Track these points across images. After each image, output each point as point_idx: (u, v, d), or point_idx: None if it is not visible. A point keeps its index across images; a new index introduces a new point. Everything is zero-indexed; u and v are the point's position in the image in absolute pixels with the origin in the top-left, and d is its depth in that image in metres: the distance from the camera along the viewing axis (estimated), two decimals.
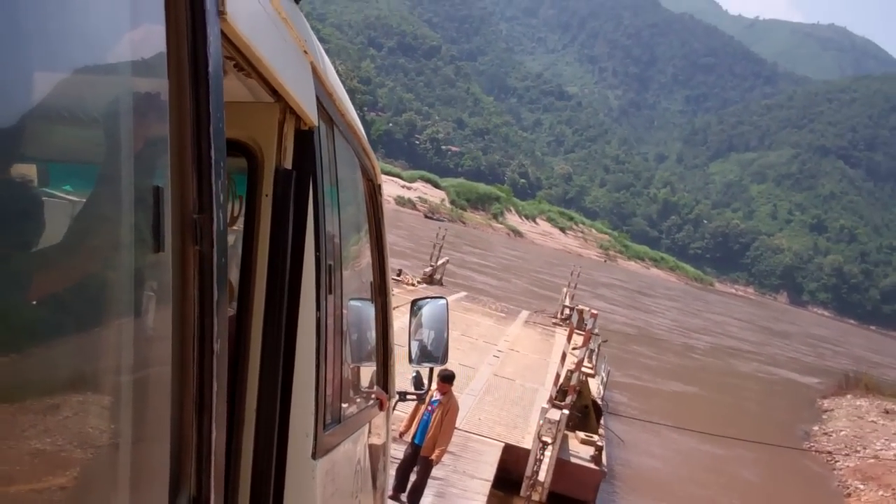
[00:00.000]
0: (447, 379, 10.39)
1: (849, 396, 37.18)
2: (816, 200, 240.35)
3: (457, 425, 11.47)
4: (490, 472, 13.27)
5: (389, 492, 4.59)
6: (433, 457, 10.62)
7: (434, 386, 9.93)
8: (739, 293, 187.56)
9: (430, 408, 10.59)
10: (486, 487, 12.61)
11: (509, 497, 13.79)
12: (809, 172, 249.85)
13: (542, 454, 12.61)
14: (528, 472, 13.01)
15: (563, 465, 13.86)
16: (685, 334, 56.35)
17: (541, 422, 12.80)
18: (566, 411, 13.45)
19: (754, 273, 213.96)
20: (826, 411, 34.10)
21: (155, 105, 1.49)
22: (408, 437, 10.89)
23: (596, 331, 15.58)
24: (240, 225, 2.53)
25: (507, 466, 14.00)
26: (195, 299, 1.62)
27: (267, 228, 2.37)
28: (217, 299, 1.67)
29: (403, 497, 10.75)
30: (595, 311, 14.98)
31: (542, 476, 12.74)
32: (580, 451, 15.09)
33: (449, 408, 10.58)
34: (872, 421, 30.86)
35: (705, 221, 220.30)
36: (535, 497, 12.26)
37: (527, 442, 14.95)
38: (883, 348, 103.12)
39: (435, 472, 12.29)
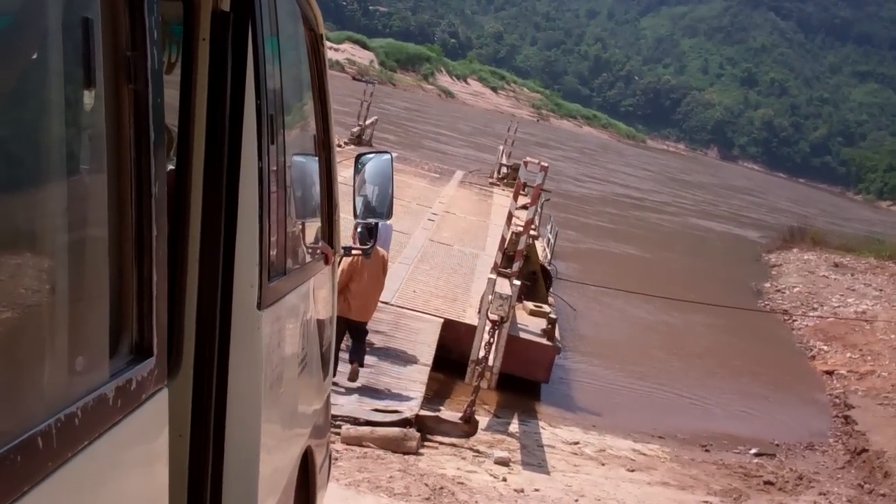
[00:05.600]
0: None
1: (795, 250, 35.95)
2: (747, 54, 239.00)
3: (389, 301, 10.84)
4: (428, 354, 11.32)
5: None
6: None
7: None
8: (671, 149, 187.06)
9: None
10: (424, 374, 10.66)
11: (451, 380, 11.90)
12: (740, 25, 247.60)
13: (493, 336, 10.55)
14: (473, 355, 11.00)
15: (512, 342, 11.90)
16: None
17: (490, 297, 10.70)
18: (517, 282, 11.42)
19: (685, 129, 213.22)
20: (774, 266, 32.84)
21: None
22: None
23: (545, 186, 13.41)
24: (178, 73, 2.38)
25: (446, 344, 12.09)
26: (132, 140, 1.57)
27: (205, 74, 2.32)
28: (154, 140, 1.62)
29: None
30: (545, 164, 12.80)
31: (491, 360, 10.71)
32: (530, 324, 13.18)
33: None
34: (824, 276, 29.67)
35: (636, 78, 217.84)
36: (484, 385, 10.31)
37: (469, 316, 13.02)
38: (806, 200, 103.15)
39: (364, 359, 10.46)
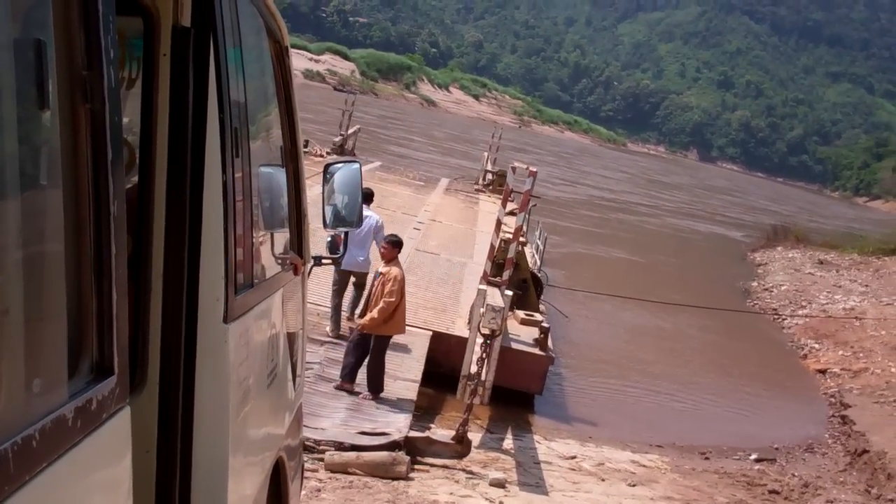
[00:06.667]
0: (393, 244, 9.65)
1: (780, 248, 35.88)
2: (723, 57, 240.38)
3: None
4: (417, 369, 10.92)
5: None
6: (360, 324, 9.48)
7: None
8: (651, 152, 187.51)
9: (375, 282, 9.61)
10: (413, 391, 10.25)
11: (441, 395, 11.52)
12: (716, 30, 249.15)
13: (485, 350, 10.14)
14: (465, 370, 10.60)
15: (504, 353, 11.52)
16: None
17: (482, 309, 10.30)
18: (509, 292, 11.05)
19: (665, 132, 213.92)
20: (760, 265, 32.64)
21: None
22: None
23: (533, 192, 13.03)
24: (139, 89, 2.42)
25: (436, 358, 11.69)
26: (89, 159, 1.58)
27: (167, 90, 2.32)
28: (112, 159, 1.63)
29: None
30: (534, 169, 12.46)
31: (484, 375, 10.27)
32: (521, 333, 12.80)
33: (388, 277, 9.40)
34: (810, 273, 29.47)
35: (615, 83, 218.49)
36: (477, 401, 9.88)
37: (458, 328, 12.65)
38: (784, 198, 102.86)
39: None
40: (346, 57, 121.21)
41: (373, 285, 9.61)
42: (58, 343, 1.51)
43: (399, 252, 9.77)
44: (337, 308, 11.37)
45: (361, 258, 11.38)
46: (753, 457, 11.99)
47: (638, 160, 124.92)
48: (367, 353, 9.65)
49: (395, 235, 10.10)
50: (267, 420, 3.26)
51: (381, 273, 9.48)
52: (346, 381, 9.71)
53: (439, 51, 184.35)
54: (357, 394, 9.67)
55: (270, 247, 3.25)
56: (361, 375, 10.13)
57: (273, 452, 3.36)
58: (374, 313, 9.34)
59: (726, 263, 34.08)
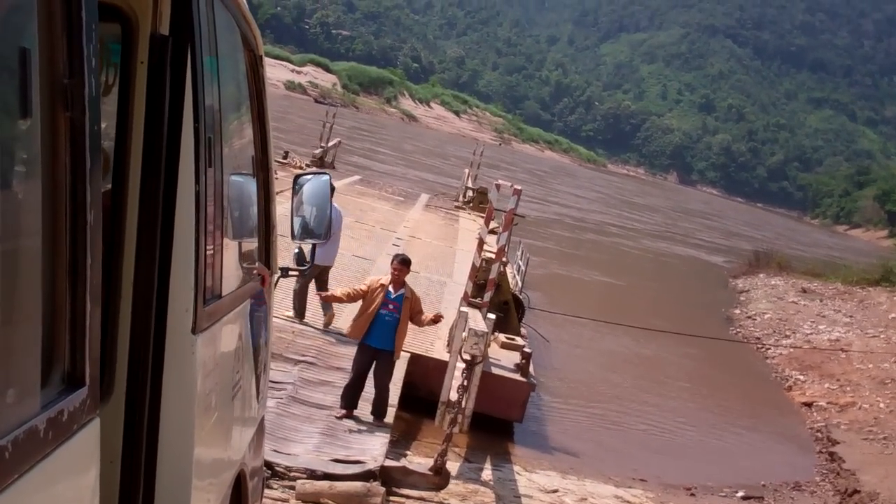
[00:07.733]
0: (406, 263, 9.31)
1: (762, 275, 35.59)
2: (705, 80, 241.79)
3: (347, 334, 9.71)
4: (394, 393, 10.33)
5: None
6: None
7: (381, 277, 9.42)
8: (631, 174, 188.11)
9: (391, 306, 9.06)
10: (389, 416, 9.70)
11: (419, 420, 11.02)
12: (698, 52, 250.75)
13: (466, 378, 9.60)
14: (444, 396, 10.07)
15: (484, 379, 10.99)
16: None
17: (464, 334, 9.78)
18: (492, 315, 10.55)
19: (645, 153, 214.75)
20: (742, 292, 32.32)
21: None
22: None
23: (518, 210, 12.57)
24: (115, 95, 2.40)
25: (413, 381, 11.20)
26: (67, 168, 1.57)
27: (143, 98, 2.32)
28: (90, 168, 1.63)
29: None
30: (518, 187, 11.99)
31: (464, 402, 9.74)
32: (502, 358, 12.28)
33: (414, 298, 9.22)
34: (793, 301, 29.17)
35: (597, 103, 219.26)
36: (456, 430, 9.35)
37: (437, 350, 12.14)
38: (764, 224, 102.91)
39: (321, 398, 9.60)
40: (327, 69, 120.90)
41: (391, 309, 9.09)
42: (31, 353, 1.50)
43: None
44: (301, 291, 11.37)
45: (331, 252, 11.25)
46: (740, 494, 11.55)
47: (614, 181, 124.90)
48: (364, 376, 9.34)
49: (404, 254, 9.82)
50: (230, 433, 3.23)
51: (404, 297, 9.11)
52: (350, 408, 9.37)
53: (421, 66, 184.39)
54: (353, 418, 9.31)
55: (239, 257, 3.21)
56: (332, 395, 9.67)
57: (235, 467, 3.32)
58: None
59: (707, 289, 33.78)
